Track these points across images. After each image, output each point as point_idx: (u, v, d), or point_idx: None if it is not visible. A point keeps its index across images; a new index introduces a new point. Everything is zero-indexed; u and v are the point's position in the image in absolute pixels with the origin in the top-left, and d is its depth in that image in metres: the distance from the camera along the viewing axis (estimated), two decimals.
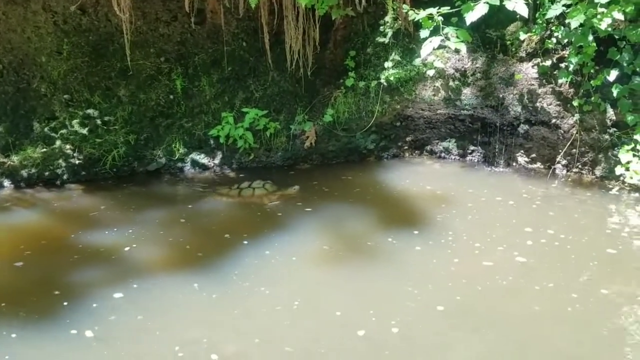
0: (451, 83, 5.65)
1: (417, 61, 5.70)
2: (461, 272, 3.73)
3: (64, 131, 5.47)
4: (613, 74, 4.94)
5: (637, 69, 4.87)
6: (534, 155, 5.52)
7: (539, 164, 5.53)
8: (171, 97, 5.75)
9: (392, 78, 5.74)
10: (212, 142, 5.75)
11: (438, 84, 5.70)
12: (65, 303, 3.40)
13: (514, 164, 5.62)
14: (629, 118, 4.93)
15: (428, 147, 6.04)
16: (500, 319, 3.26)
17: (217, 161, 5.75)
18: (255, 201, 4.89)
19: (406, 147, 6.10)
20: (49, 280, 3.69)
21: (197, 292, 3.55)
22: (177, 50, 5.80)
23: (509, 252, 3.97)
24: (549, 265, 3.81)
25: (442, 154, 5.99)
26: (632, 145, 4.93)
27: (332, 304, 3.40)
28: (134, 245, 4.13)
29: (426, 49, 5.33)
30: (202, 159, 5.73)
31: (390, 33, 5.81)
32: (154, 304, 3.43)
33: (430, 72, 5.64)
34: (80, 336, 3.12)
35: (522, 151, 5.56)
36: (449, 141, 5.93)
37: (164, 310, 3.38)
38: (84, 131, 5.51)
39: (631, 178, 4.92)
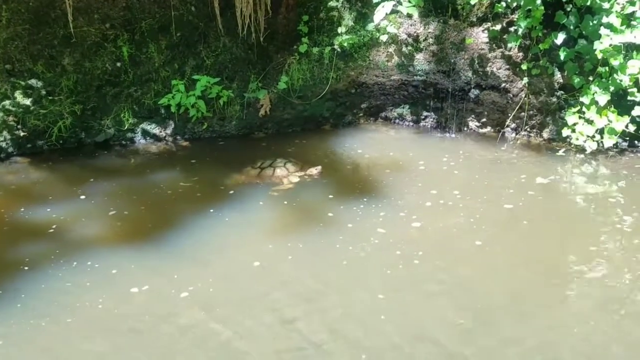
0: (404, 49, 5.64)
1: (370, 26, 5.65)
2: (348, 240, 3.78)
3: (6, 102, 5.23)
4: (560, 38, 5.02)
5: (583, 32, 4.97)
6: (484, 119, 5.61)
7: (489, 128, 5.62)
8: (118, 64, 5.54)
9: (345, 44, 5.68)
10: (162, 111, 5.60)
11: (391, 49, 5.68)
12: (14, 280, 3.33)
13: (466, 128, 5.70)
14: (576, 80, 5.03)
15: (383, 114, 6.05)
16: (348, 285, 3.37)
17: (169, 131, 5.62)
18: (274, 181, 4.66)
19: (361, 114, 6.09)
20: None
21: (179, 262, 3.55)
22: (123, 16, 5.57)
23: (408, 217, 4.05)
24: (432, 228, 3.93)
25: (397, 121, 6.01)
26: (578, 107, 5.06)
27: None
28: (82, 220, 4.04)
29: (379, 14, 5.31)
30: (153, 129, 5.59)
31: None
32: (101, 278, 3.39)
33: (384, 38, 5.60)
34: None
35: (473, 116, 5.64)
36: (403, 107, 5.94)
37: (111, 284, 3.35)
38: (28, 102, 5.29)
39: (577, 139, 5.06)
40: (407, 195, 4.38)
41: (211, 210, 4.16)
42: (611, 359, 2.76)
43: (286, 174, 4.73)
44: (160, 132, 5.61)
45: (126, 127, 5.52)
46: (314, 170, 4.80)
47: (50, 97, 5.37)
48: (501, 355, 2.78)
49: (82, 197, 4.39)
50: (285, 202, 4.32)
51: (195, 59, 5.74)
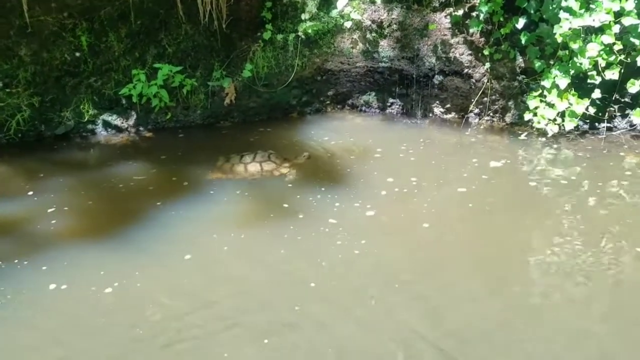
0: (368, 35, 5.62)
1: (334, 13, 5.60)
2: (297, 231, 3.74)
3: None
4: (521, 22, 5.04)
5: (544, 16, 4.99)
6: (448, 105, 5.63)
7: (453, 114, 5.65)
8: (77, 54, 5.39)
9: (310, 30, 5.63)
10: (124, 101, 5.49)
11: (356, 36, 5.65)
12: None
13: (431, 114, 5.72)
14: (537, 64, 5.07)
15: (349, 101, 6.03)
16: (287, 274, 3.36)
17: (131, 122, 5.51)
18: (265, 177, 4.52)
19: (328, 102, 6.06)
20: None
21: (110, 258, 3.48)
22: (81, 4, 5.41)
23: (362, 206, 4.03)
24: (384, 215, 3.91)
25: (363, 108, 6.00)
26: (540, 91, 5.10)
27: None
28: (42, 215, 3.94)
29: (342, 1, 5.28)
30: (115, 120, 5.48)
31: None
32: (63, 274, 3.32)
33: (348, 24, 5.57)
34: None
35: (437, 102, 5.66)
36: (369, 94, 5.93)
37: (75, 280, 3.29)
38: None
39: (539, 123, 5.11)
40: (365, 184, 4.37)
41: (158, 204, 4.08)
42: (558, 342, 2.80)
43: (274, 166, 4.62)
44: (122, 123, 5.50)
45: (86, 118, 5.40)
46: (302, 158, 4.77)
47: (7, 90, 5.22)
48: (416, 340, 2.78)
49: (30, 193, 4.27)
50: (238, 192, 4.27)
51: (156, 47, 5.61)
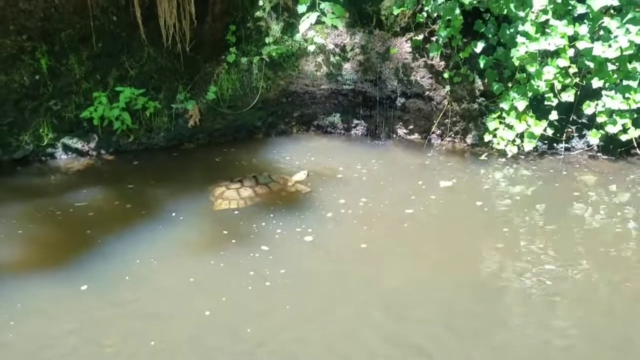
0: (332, 58, 5.68)
1: (298, 36, 5.66)
2: (227, 257, 3.63)
3: None
4: (479, 46, 5.16)
5: (502, 40, 5.12)
6: (411, 126, 5.71)
7: (416, 135, 5.72)
8: (37, 77, 5.31)
9: (274, 53, 5.67)
10: (85, 124, 5.41)
11: (319, 59, 5.71)
12: None
13: (394, 135, 5.78)
14: (495, 87, 5.19)
15: (315, 123, 6.06)
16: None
17: (92, 145, 5.43)
18: (281, 195, 4.45)
19: (294, 123, 6.08)
20: None
21: (62, 291, 3.35)
22: (41, 27, 5.34)
23: (303, 232, 3.94)
24: (320, 241, 3.84)
25: (329, 129, 6.03)
26: (499, 113, 5.21)
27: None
28: None
29: (304, 25, 5.34)
30: (75, 143, 5.38)
31: (268, 7, 5.71)
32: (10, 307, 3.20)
33: (311, 48, 5.63)
34: None
35: (400, 123, 5.73)
36: (334, 116, 5.97)
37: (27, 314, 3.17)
38: None
39: (498, 144, 5.21)
40: (317, 207, 4.32)
41: (88, 232, 3.93)
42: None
43: (280, 187, 4.60)
44: (83, 146, 5.41)
45: (46, 142, 5.29)
46: (303, 175, 4.78)
47: None
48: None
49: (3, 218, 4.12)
50: (173, 214, 4.17)
51: (118, 70, 5.56)
